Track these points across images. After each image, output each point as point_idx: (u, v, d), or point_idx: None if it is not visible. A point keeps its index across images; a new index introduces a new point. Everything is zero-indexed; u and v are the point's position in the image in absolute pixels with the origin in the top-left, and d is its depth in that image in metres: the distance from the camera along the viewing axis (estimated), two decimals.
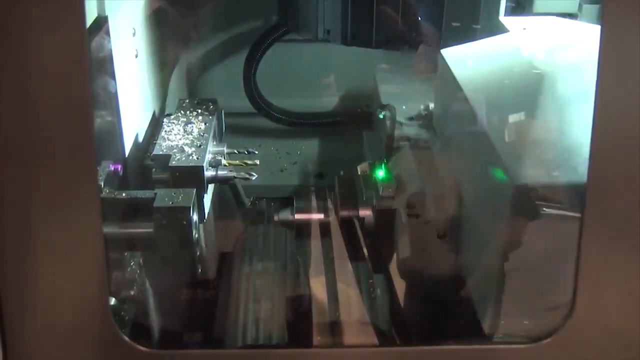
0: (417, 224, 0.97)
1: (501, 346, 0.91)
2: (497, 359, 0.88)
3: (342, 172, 1.12)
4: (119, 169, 1.04)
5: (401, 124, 1.11)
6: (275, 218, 1.10)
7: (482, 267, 0.92)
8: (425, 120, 1.13)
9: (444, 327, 1.02)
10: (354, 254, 1.10)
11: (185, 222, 0.99)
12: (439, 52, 1.06)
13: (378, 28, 1.21)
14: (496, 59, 1.03)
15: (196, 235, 1.02)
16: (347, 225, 1.04)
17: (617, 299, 0.83)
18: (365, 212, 1.03)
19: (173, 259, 1.02)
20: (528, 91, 0.93)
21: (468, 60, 1.03)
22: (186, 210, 0.99)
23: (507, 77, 0.99)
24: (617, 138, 0.77)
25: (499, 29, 1.11)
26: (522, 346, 0.86)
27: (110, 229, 0.97)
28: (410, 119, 1.14)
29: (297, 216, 1.09)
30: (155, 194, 1.01)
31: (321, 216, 1.09)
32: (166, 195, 1.01)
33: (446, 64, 1.03)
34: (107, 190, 0.99)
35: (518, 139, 0.86)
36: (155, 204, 0.99)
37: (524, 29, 1.08)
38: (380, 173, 1.03)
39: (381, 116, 1.14)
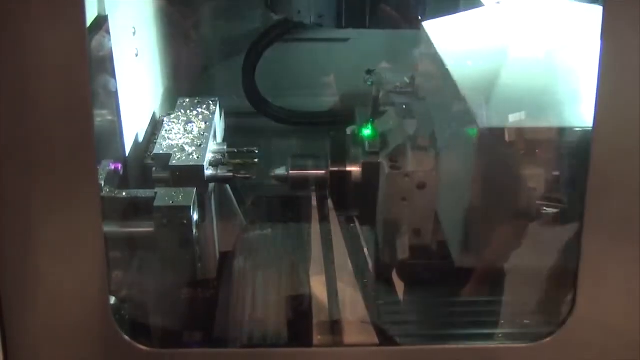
0: (399, 175, 1.07)
1: (502, 345, 0.91)
2: (498, 358, 0.89)
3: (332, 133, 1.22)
4: (119, 168, 1.04)
5: (388, 92, 1.21)
6: (272, 173, 1.16)
7: (456, 210, 1.01)
8: (409, 87, 1.23)
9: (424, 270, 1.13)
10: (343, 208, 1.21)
11: (185, 222, 0.99)
12: (421, 25, 1.18)
13: (372, 7, 1.25)
14: (471, 28, 1.16)
15: (196, 234, 1.03)
16: (338, 179, 1.14)
17: (618, 298, 0.83)
18: (354, 167, 1.13)
19: (173, 258, 1.02)
20: (498, 54, 1.08)
21: (447, 32, 1.13)
22: (187, 209, 0.99)
23: (480, 42, 1.12)
24: (617, 138, 0.77)
25: (477, 4, 1.23)
26: (522, 345, 0.86)
27: (110, 228, 0.97)
28: (396, 87, 1.22)
29: (292, 172, 1.16)
30: (156, 193, 1.01)
31: (316, 172, 1.16)
32: (166, 195, 1.01)
33: (427, 35, 1.12)
34: (108, 189, 0.99)
35: (485, 90, 0.97)
36: (156, 203, 0.99)
37: (498, 2, 1.21)
38: (367, 132, 1.14)
39: (369, 83, 1.21)
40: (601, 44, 0.75)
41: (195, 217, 1.02)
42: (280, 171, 1.15)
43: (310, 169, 1.16)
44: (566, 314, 0.84)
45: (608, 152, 0.78)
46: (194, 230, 1.01)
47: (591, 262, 0.82)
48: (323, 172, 1.15)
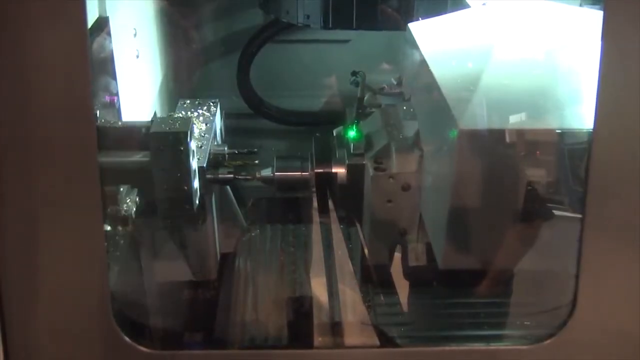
0: (383, 177, 1.06)
1: (502, 347, 0.91)
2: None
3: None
4: (115, 100, 1.01)
5: (374, 92, 1.21)
6: (257, 175, 1.14)
7: (438, 210, 1.00)
8: (396, 88, 1.22)
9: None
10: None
11: (182, 148, 0.97)
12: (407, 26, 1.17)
13: (359, 8, 1.26)
14: (457, 30, 1.16)
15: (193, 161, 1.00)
16: (322, 180, 1.14)
17: (618, 300, 0.83)
18: (339, 169, 1.13)
19: (169, 185, 0.99)
20: (481, 56, 1.07)
21: (431, 33, 1.13)
22: (183, 135, 0.97)
23: (465, 43, 1.11)
24: (618, 139, 0.77)
25: (463, 5, 1.23)
26: (523, 347, 0.86)
27: (106, 159, 0.93)
28: (382, 88, 1.22)
29: (277, 174, 1.14)
30: (152, 121, 0.99)
31: (299, 173, 1.15)
32: (163, 122, 0.99)
33: (412, 36, 1.12)
34: (103, 120, 0.97)
35: (467, 91, 0.96)
36: (152, 130, 0.97)
37: (484, 4, 1.21)
38: (352, 133, 1.13)
39: (355, 85, 1.20)
40: (602, 45, 0.74)
41: (193, 145, 0.99)
42: (266, 172, 1.15)
43: (296, 171, 1.15)
44: (566, 316, 0.84)
45: (608, 152, 0.78)
46: (191, 158, 0.99)
47: (591, 264, 0.81)
48: (308, 173, 1.14)
